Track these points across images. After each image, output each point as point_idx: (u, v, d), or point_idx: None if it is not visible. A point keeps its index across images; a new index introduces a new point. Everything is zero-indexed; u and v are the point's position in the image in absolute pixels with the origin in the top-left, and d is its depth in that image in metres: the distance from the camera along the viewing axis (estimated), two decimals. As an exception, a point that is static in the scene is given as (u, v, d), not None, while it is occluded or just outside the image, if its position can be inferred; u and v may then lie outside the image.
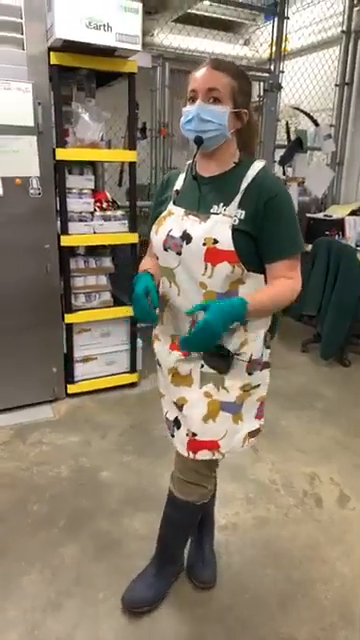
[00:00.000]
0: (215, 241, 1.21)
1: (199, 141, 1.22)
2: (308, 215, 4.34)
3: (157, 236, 1.31)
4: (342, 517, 2.04)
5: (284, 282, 1.25)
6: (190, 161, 1.37)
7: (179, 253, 1.25)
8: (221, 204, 1.24)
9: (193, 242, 1.23)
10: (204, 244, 1.21)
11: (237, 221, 1.22)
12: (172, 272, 1.29)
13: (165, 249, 1.28)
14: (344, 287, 3.32)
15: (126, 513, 2.00)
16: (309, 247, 3.63)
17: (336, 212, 4.25)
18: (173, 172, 1.44)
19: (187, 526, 1.60)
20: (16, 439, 2.50)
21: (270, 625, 1.55)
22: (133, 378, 3.07)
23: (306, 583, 1.71)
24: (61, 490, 2.14)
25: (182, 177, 1.37)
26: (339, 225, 4.05)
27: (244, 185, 1.23)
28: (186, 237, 1.24)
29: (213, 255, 1.21)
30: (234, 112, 1.23)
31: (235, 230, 1.21)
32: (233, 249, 1.21)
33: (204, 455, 1.36)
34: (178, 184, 1.36)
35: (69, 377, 2.89)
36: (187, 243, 1.24)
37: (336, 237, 3.92)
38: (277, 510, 2.06)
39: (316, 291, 3.48)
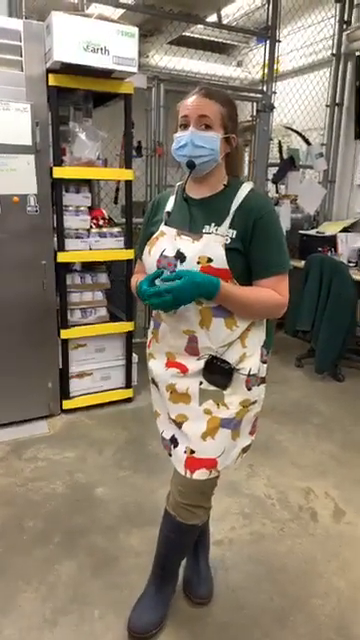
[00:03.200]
0: (209, 260, 1.24)
1: (192, 165, 1.27)
2: (301, 232, 4.41)
3: (150, 256, 1.34)
4: (338, 531, 2.04)
5: (269, 292, 1.28)
6: (180, 183, 1.42)
7: (173, 272, 1.28)
8: (212, 224, 1.28)
9: (187, 261, 1.26)
10: (198, 262, 1.25)
11: (229, 240, 1.26)
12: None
13: (159, 268, 1.31)
14: (337, 303, 3.37)
15: (122, 529, 2.00)
16: (302, 263, 3.69)
17: (328, 229, 4.32)
18: (163, 194, 1.48)
19: (187, 546, 1.60)
20: (12, 455, 2.49)
21: (267, 641, 1.55)
22: (128, 393, 3.08)
23: (302, 598, 1.71)
24: (57, 506, 2.13)
25: (172, 199, 1.40)
26: (331, 242, 4.11)
27: (234, 206, 1.27)
28: (180, 256, 1.27)
29: (208, 273, 1.24)
30: (224, 137, 1.27)
31: (228, 249, 1.25)
32: (227, 267, 1.25)
33: (202, 474, 1.36)
34: (169, 206, 1.39)
35: (64, 392, 2.89)
36: (181, 262, 1.27)
37: (329, 253, 3.98)
38: (273, 525, 2.07)
39: (309, 307, 3.52)
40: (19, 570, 1.78)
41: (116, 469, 2.41)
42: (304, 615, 1.64)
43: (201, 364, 1.32)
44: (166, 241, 1.32)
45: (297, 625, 1.60)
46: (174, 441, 1.40)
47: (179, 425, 1.38)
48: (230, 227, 1.27)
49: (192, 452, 1.36)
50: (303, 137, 4.39)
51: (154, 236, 1.36)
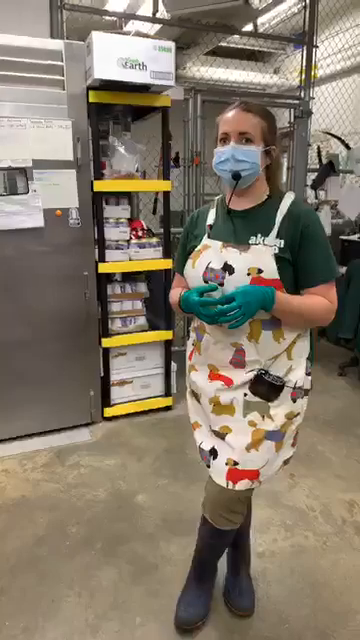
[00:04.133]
0: (259, 271, 1.25)
1: (237, 177, 1.27)
2: (342, 237, 4.32)
3: (194, 269, 1.35)
4: (384, 547, 1.98)
5: (321, 299, 1.28)
6: (219, 196, 1.43)
7: (221, 284, 1.29)
8: (259, 235, 1.28)
9: (236, 273, 1.26)
10: (248, 274, 1.25)
11: (278, 250, 1.26)
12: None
13: (205, 281, 1.31)
14: (380, 309, 3.28)
15: (162, 537, 2.01)
16: (343, 269, 3.62)
17: (371, 234, 4.21)
18: (201, 209, 1.49)
19: (225, 545, 1.63)
20: (55, 461, 2.56)
21: (310, 657, 1.51)
22: (167, 402, 3.10)
23: (347, 615, 1.66)
24: (98, 513, 2.16)
25: (212, 212, 1.42)
26: (374, 247, 4.01)
27: (280, 216, 1.28)
28: (228, 268, 1.28)
29: (258, 284, 1.24)
30: (265, 150, 1.28)
31: (277, 258, 1.25)
32: (278, 277, 1.25)
33: (244, 485, 1.37)
34: (210, 219, 1.41)
35: (106, 400, 2.95)
36: (230, 274, 1.27)
37: (371, 259, 3.88)
38: (315, 538, 2.02)
39: (352, 314, 3.44)
40: (62, 575, 1.82)
41: (156, 477, 2.43)
42: (348, 632, 1.60)
43: (248, 377, 1.32)
44: (211, 254, 1.32)
45: (341, 642, 1.56)
46: (214, 453, 1.41)
47: (222, 437, 1.38)
48: (277, 236, 1.27)
49: (235, 464, 1.36)
50: (343, 142, 4.32)
51: (197, 249, 1.38)
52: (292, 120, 4.06)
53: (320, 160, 4.24)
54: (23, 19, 2.89)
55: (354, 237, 4.26)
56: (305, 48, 3.97)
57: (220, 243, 1.32)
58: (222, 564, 1.74)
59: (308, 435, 2.80)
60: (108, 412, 2.95)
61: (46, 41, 2.55)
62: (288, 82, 5.20)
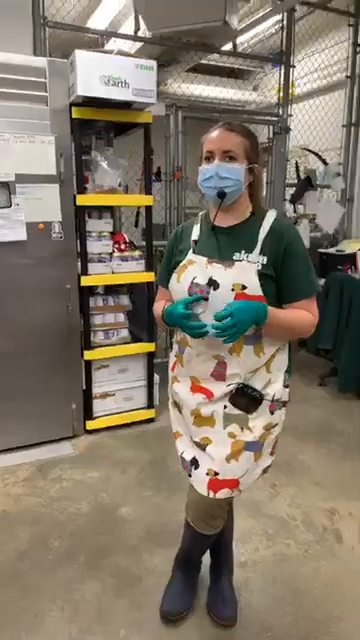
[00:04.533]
0: (243, 287, 1.29)
1: (222, 195, 1.32)
2: (320, 250, 4.42)
3: (179, 284, 1.38)
4: (363, 553, 2.02)
5: (305, 312, 1.33)
6: (203, 212, 1.47)
7: (206, 299, 1.32)
8: (243, 251, 1.32)
9: (221, 288, 1.30)
10: (232, 289, 1.29)
11: (261, 266, 1.30)
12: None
13: (190, 295, 1.35)
14: (359, 320, 3.36)
15: (146, 549, 2.02)
16: (322, 281, 3.70)
17: (348, 247, 4.32)
18: (185, 224, 1.53)
19: (207, 546, 1.69)
20: (37, 475, 2.54)
21: (292, 665, 1.53)
22: (150, 414, 3.11)
23: (329, 621, 1.69)
24: (81, 526, 2.16)
25: (197, 227, 1.46)
26: (352, 259, 4.11)
27: (263, 233, 1.33)
28: (213, 283, 1.31)
29: (242, 299, 1.27)
30: (248, 168, 1.33)
31: (260, 275, 1.29)
32: (261, 293, 1.29)
33: (224, 494, 1.41)
34: (194, 234, 1.45)
35: (88, 413, 2.95)
36: (215, 289, 1.31)
37: (349, 271, 3.98)
38: (297, 546, 2.05)
39: (331, 325, 3.52)
40: (44, 589, 1.81)
41: (139, 489, 2.43)
42: (330, 638, 1.62)
43: (228, 389, 1.36)
44: (197, 269, 1.36)
45: (323, 649, 1.59)
46: (195, 463, 1.44)
47: (203, 448, 1.41)
48: (261, 253, 1.31)
49: (215, 474, 1.39)
50: (320, 157, 4.44)
51: (182, 264, 1.41)
52: (271, 136, 4.17)
53: (298, 175, 4.34)
54: (5, 35, 2.93)
55: (332, 250, 4.36)
56: (283, 67, 4.10)
57: (205, 259, 1.36)
58: (206, 575, 1.76)
59: (289, 444, 2.85)
60: (90, 425, 2.95)
61: (30, 58, 2.59)
62: (267, 99, 5.32)
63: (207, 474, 1.39)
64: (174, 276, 1.42)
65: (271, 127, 4.16)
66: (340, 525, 2.19)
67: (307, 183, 4.30)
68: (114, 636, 1.62)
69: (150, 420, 3.12)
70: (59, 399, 2.83)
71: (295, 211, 4.47)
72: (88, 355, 2.87)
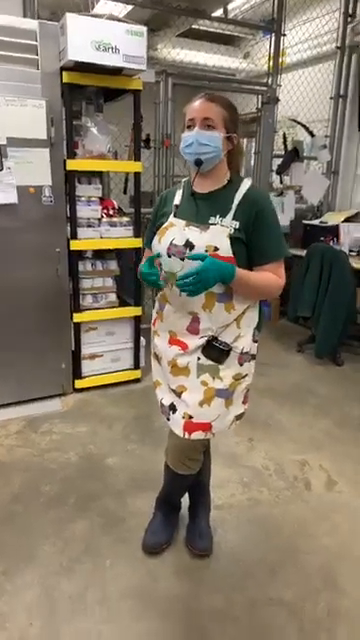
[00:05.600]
0: (216, 248, 1.41)
1: (199, 163, 1.42)
2: (304, 222, 4.54)
3: (160, 244, 1.50)
4: (330, 499, 2.22)
5: (271, 275, 1.45)
6: (186, 179, 1.58)
7: (182, 259, 1.44)
8: (218, 216, 1.43)
9: (196, 249, 1.42)
10: (206, 251, 1.41)
11: (233, 230, 1.42)
12: (175, 275, 1.46)
13: (169, 256, 1.46)
14: (336, 290, 3.51)
15: (130, 494, 2.19)
16: (304, 252, 3.83)
17: (331, 219, 4.44)
18: (170, 190, 1.64)
19: (186, 486, 1.86)
20: (28, 429, 2.69)
21: (260, 588, 1.73)
22: (136, 374, 3.26)
23: (294, 554, 1.89)
24: (71, 473, 2.32)
25: (179, 193, 1.57)
26: (334, 231, 4.24)
27: (237, 200, 1.44)
28: (189, 245, 1.43)
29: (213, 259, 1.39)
30: (226, 137, 1.43)
31: (232, 238, 1.41)
32: (231, 255, 1.41)
33: (198, 435, 1.56)
34: (177, 199, 1.55)
35: (77, 373, 3.08)
36: (190, 250, 1.43)
37: (331, 243, 4.11)
38: (269, 492, 2.24)
39: (310, 294, 3.66)
40: (37, 527, 1.97)
41: (125, 442, 2.60)
42: (295, 568, 1.82)
43: (201, 342, 1.49)
44: (175, 231, 1.47)
45: (287, 576, 1.78)
46: (173, 408, 1.59)
47: (179, 395, 1.56)
48: (234, 218, 1.43)
49: (190, 417, 1.54)
50: (307, 129, 4.50)
51: (163, 226, 1.52)
52: (259, 106, 4.21)
53: (285, 146, 4.41)
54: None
55: (315, 222, 4.47)
56: (273, 35, 4.11)
57: (184, 222, 1.47)
58: (186, 515, 1.94)
59: (267, 405, 3.03)
60: (79, 384, 3.09)
61: (20, 20, 2.60)
62: (257, 68, 5.31)
63: (183, 417, 1.54)
64: (156, 237, 1.53)
65: (260, 97, 4.19)
66: (310, 475, 2.38)
67: (294, 154, 4.38)
68: (101, 565, 1.80)
69: (136, 380, 3.27)
70: (49, 359, 2.96)
71: (281, 182, 4.56)
72: (77, 317, 2.98)
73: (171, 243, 1.46)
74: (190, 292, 1.35)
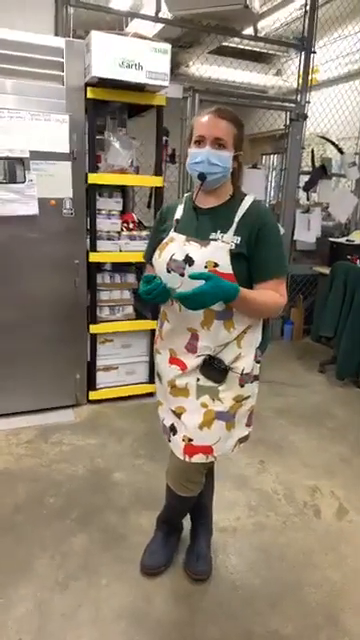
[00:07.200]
0: (215, 264, 1.38)
1: (203, 178, 1.41)
2: (331, 239, 4.45)
3: (160, 259, 1.48)
4: (338, 528, 2.12)
5: (273, 293, 1.41)
6: (187, 194, 1.56)
7: (182, 275, 1.42)
8: (219, 231, 1.41)
9: (195, 265, 1.40)
10: (205, 267, 1.38)
11: (234, 246, 1.39)
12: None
13: (168, 271, 1.44)
14: (359, 310, 3.41)
15: (134, 511, 2.15)
16: (328, 270, 3.75)
17: (359, 237, 4.34)
18: (170, 204, 1.63)
19: (187, 508, 1.82)
20: (39, 438, 2.70)
21: (258, 620, 1.66)
22: (150, 388, 3.23)
23: (296, 586, 1.81)
24: (76, 486, 2.31)
25: (181, 207, 1.55)
26: (361, 250, 4.14)
27: (239, 216, 1.41)
28: (188, 260, 1.41)
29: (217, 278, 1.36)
30: (234, 155, 1.41)
31: (233, 254, 1.38)
32: (231, 272, 1.38)
33: (199, 459, 1.52)
34: (178, 214, 1.54)
35: (91, 384, 3.08)
36: (189, 265, 1.41)
37: (357, 262, 4.01)
38: (276, 518, 2.17)
39: (333, 313, 3.58)
40: (37, 539, 1.96)
41: (133, 457, 2.57)
42: (295, 601, 1.74)
43: (198, 362, 1.46)
44: (175, 246, 1.46)
45: (287, 608, 1.71)
46: (173, 429, 1.56)
47: (178, 416, 1.53)
48: (235, 234, 1.40)
49: (190, 440, 1.50)
50: (336, 146, 4.44)
51: (164, 241, 1.51)
52: (287, 123, 4.18)
53: (313, 163, 4.36)
54: (28, 14, 3.01)
55: (342, 240, 4.38)
56: (303, 53, 4.09)
57: (184, 237, 1.45)
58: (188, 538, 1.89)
59: (281, 426, 2.95)
60: (93, 395, 3.09)
61: (49, 38, 2.66)
62: (288, 84, 5.29)
63: (183, 440, 1.51)
64: (157, 252, 1.51)
65: (288, 113, 4.17)
66: (320, 502, 2.29)
67: (321, 171, 4.32)
68: (96, 583, 1.76)
69: (150, 394, 3.25)
70: (64, 369, 2.97)
71: (308, 199, 4.50)
72: (94, 329, 2.99)
73: (171, 258, 1.44)
74: (188, 307, 1.34)
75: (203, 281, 1.30)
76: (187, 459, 1.51)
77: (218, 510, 2.00)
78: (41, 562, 1.85)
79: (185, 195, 1.60)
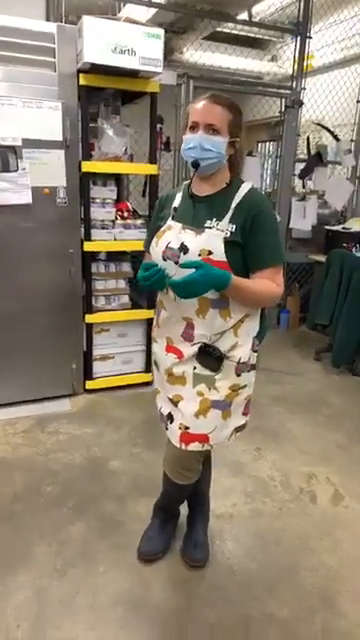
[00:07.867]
0: (210, 252, 1.37)
1: (196, 165, 1.39)
2: (327, 227, 4.44)
3: (157, 248, 1.48)
4: (334, 514, 2.14)
5: (268, 282, 1.40)
6: (186, 182, 1.55)
7: (177, 263, 1.41)
8: (214, 219, 1.40)
9: (190, 253, 1.39)
10: (199, 255, 1.37)
11: (229, 234, 1.38)
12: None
13: (164, 259, 1.44)
14: (356, 298, 3.41)
15: (131, 498, 2.17)
16: (323, 258, 3.74)
17: (355, 225, 4.33)
18: (170, 192, 1.61)
19: (183, 496, 1.82)
20: (36, 428, 2.70)
21: (254, 604, 1.68)
22: (147, 377, 3.23)
23: (292, 570, 1.83)
24: (73, 475, 2.31)
25: (179, 195, 1.54)
26: (357, 237, 4.13)
27: (235, 203, 1.40)
28: (183, 248, 1.40)
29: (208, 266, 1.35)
30: (230, 141, 1.40)
31: (227, 242, 1.37)
32: (225, 260, 1.37)
33: (195, 447, 1.53)
34: (176, 202, 1.53)
35: (87, 374, 3.08)
36: (184, 254, 1.40)
37: (353, 249, 4.00)
38: (273, 504, 2.19)
39: (329, 301, 3.58)
40: (35, 527, 1.97)
41: (130, 445, 2.58)
42: (292, 584, 1.76)
43: (194, 350, 1.46)
44: (172, 234, 1.45)
45: (284, 592, 1.73)
46: (170, 417, 1.56)
47: (175, 404, 1.53)
48: (230, 222, 1.39)
49: (186, 428, 1.51)
50: (332, 133, 4.41)
51: (161, 229, 1.50)
52: (283, 109, 4.15)
53: (309, 150, 4.33)
54: (18, -1, 2.96)
55: (338, 227, 4.37)
56: (298, 38, 4.04)
57: (180, 225, 1.44)
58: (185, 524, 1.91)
59: (278, 413, 2.96)
60: (89, 385, 3.09)
61: (40, 23, 2.62)
62: (283, 70, 5.24)
63: (179, 428, 1.51)
64: (154, 240, 1.51)
65: (284, 100, 4.13)
66: (316, 488, 2.31)
67: (317, 159, 4.29)
68: (94, 570, 1.78)
69: (147, 383, 3.24)
70: (61, 359, 2.97)
71: (304, 186, 4.47)
72: (89, 319, 2.98)
73: (167, 246, 1.43)
74: (179, 296, 1.34)
75: (194, 269, 1.29)
76: (183, 447, 1.51)
77: (215, 497, 2.01)
78: (39, 550, 1.87)
79: (183, 183, 1.58)
